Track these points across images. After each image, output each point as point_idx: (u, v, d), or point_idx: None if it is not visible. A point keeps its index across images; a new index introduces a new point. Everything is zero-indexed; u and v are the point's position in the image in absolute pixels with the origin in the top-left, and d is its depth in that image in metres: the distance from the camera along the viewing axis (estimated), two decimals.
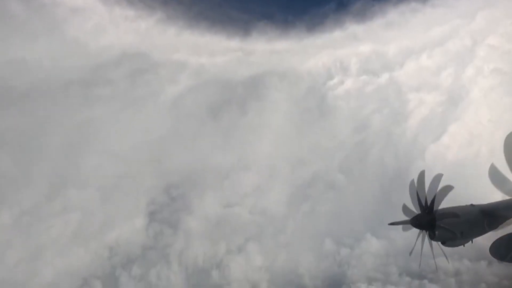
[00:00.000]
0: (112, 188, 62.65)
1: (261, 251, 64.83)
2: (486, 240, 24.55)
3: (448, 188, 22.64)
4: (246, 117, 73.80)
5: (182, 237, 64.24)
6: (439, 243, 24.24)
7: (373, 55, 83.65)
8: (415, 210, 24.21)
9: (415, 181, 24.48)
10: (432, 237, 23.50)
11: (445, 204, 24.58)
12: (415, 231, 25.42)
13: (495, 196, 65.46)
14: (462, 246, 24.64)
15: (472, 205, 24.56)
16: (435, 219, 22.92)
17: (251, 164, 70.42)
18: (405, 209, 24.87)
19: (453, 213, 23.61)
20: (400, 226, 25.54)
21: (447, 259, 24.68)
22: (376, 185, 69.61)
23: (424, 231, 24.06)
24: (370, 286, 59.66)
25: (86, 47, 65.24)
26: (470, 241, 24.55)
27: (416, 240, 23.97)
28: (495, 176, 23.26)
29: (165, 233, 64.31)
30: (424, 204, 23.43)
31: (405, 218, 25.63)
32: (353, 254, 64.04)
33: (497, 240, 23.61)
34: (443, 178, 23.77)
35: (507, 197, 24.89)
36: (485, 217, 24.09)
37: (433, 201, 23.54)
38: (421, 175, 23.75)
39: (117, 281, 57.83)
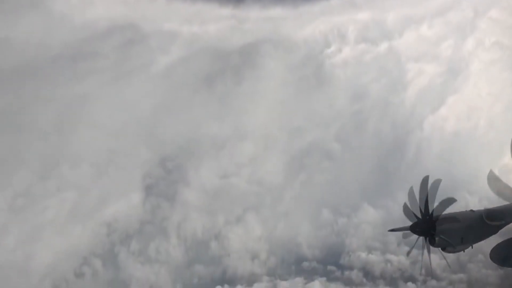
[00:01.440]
0: (106, 163, 62.51)
1: (259, 221, 65.43)
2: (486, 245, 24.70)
3: (451, 201, 22.31)
4: (241, 86, 72.09)
5: (180, 210, 64.72)
6: (439, 249, 24.19)
7: (371, 23, 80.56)
8: (415, 213, 23.91)
9: (414, 189, 24.10)
10: (432, 243, 23.33)
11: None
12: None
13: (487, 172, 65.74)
14: (462, 251, 24.58)
15: (472, 210, 24.30)
16: (434, 226, 22.68)
17: (247, 133, 69.68)
18: (406, 209, 24.59)
19: (453, 219, 23.39)
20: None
21: (448, 265, 24.79)
22: (373, 155, 69.73)
23: (423, 237, 23.85)
24: (370, 254, 61.26)
25: (72, 22, 62.95)
26: (471, 247, 24.44)
27: (415, 243, 23.90)
28: (494, 183, 22.86)
29: (162, 207, 64.66)
30: (424, 211, 23.17)
31: (405, 217, 25.49)
32: (350, 223, 65.11)
33: (497, 245, 23.53)
34: (443, 183, 23.37)
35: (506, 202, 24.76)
36: (485, 222, 23.88)
37: (427, 207, 23.18)
38: (425, 180, 23.27)
39: (116, 257, 58.58)
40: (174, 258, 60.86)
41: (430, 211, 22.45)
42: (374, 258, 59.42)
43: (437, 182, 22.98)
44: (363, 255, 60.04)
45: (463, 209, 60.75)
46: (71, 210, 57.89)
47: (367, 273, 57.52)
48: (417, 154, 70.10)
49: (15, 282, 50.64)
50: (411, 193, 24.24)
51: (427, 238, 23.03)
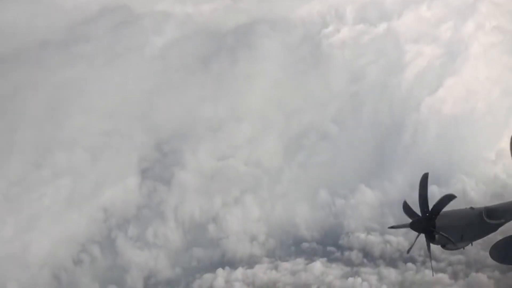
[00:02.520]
0: (101, 148, 61.68)
1: (257, 203, 64.71)
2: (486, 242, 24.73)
3: (450, 197, 22.14)
4: (237, 67, 71.02)
5: (177, 193, 63.90)
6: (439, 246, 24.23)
7: (370, 3, 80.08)
8: (415, 211, 23.82)
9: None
10: (431, 241, 23.33)
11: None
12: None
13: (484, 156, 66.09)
14: (462, 249, 24.58)
15: (471, 208, 24.20)
16: (434, 223, 22.61)
17: (243, 115, 68.71)
18: (405, 207, 24.44)
19: (452, 217, 23.35)
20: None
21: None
22: (370, 136, 68.77)
23: (423, 234, 23.85)
24: (369, 235, 61.10)
25: (63, 5, 61.80)
26: (470, 244, 24.45)
27: (415, 240, 23.89)
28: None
29: (159, 190, 63.87)
30: (421, 208, 23.06)
31: (404, 215, 25.40)
32: (348, 204, 64.42)
33: (497, 242, 23.56)
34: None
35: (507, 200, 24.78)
36: (485, 220, 23.84)
37: (427, 204, 23.07)
38: (424, 177, 23.08)
39: (114, 243, 58.08)
40: (172, 242, 60.33)
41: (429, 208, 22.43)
42: (373, 238, 59.06)
43: (424, 177, 22.93)
44: (362, 236, 59.66)
45: (460, 193, 61.25)
46: (67, 197, 57.30)
47: (367, 253, 57.33)
48: (414, 136, 69.33)
49: (14, 273, 50.11)
50: (405, 203, 24.16)
51: (427, 236, 23.09)
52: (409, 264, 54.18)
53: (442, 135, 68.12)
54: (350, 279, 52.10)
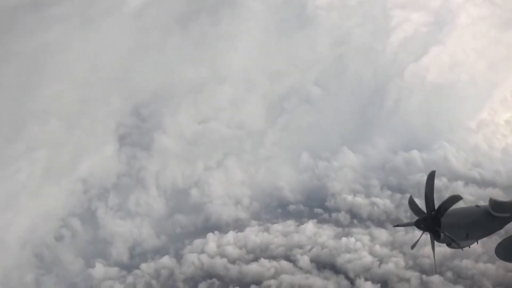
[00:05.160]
0: (76, 116, 57.31)
1: (240, 166, 63.10)
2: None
3: (456, 198, 21.47)
4: (219, 27, 66.95)
5: (157, 159, 61.52)
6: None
7: None
8: (420, 207, 23.16)
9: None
10: (436, 239, 22.84)
11: None
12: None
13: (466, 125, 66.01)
14: (468, 247, 24.20)
15: (477, 206, 23.54)
16: (439, 222, 22.03)
17: (225, 77, 65.49)
18: (411, 202, 23.60)
19: (458, 215, 22.76)
20: None
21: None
22: (353, 100, 67.42)
23: (428, 233, 23.30)
24: (355, 197, 60.35)
25: None
26: (476, 242, 24.05)
27: (420, 237, 23.35)
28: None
29: (139, 157, 61.25)
30: (426, 205, 22.38)
31: (410, 211, 24.75)
32: (331, 167, 63.68)
33: (502, 241, 23.08)
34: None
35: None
36: (491, 218, 23.32)
37: (433, 201, 22.48)
38: (431, 175, 22.19)
39: (95, 215, 55.37)
40: (155, 209, 58.09)
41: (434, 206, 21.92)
42: (360, 200, 58.40)
43: (431, 175, 22.30)
44: (349, 197, 58.91)
45: (441, 159, 61.66)
46: (43, 170, 53.40)
47: (355, 215, 57.07)
48: (397, 102, 68.56)
49: None
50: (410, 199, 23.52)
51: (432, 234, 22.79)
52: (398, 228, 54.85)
53: (425, 102, 67.74)
54: (344, 239, 52.01)
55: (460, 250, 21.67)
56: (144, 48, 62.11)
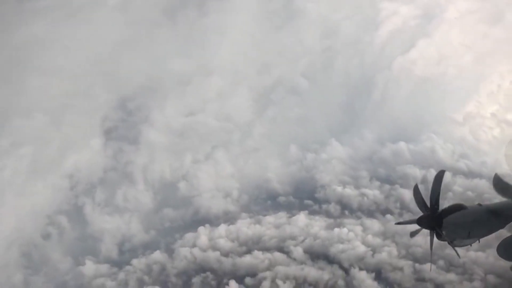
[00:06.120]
0: (61, 110, 55.01)
1: (229, 159, 62.53)
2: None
3: (461, 206, 21.50)
4: (206, 19, 65.74)
5: (145, 153, 60.29)
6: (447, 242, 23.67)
7: None
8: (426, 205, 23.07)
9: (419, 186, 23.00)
10: (439, 237, 22.73)
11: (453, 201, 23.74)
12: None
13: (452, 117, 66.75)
14: (470, 245, 24.15)
15: (479, 204, 23.44)
16: (441, 220, 21.94)
17: (213, 69, 64.50)
18: (416, 191, 23.44)
19: (460, 213, 22.67)
20: None
21: (458, 255, 24.18)
22: (341, 92, 67.57)
23: (430, 231, 23.20)
24: (345, 188, 60.16)
25: None
26: (478, 241, 23.98)
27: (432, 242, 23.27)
28: (499, 185, 22.30)
29: (126, 151, 59.86)
30: (429, 204, 22.25)
31: (414, 199, 24.77)
32: (319, 159, 63.85)
33: (504, 239, 23.03)
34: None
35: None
36: (493, 216, 23.23)
37: (438, 201, 22.41)
38: (440, 174, 22.00)
39: (82, 211, 53.86)
40: (143, 204, 56.86)
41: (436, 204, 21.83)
42: (350, 191, 58.47)
43: (441, 174, 22.13)
44: (339, 189, 58.94)
45: (429, 151, 62.24)
46: (29, 166, 51.40)
47: (345, 206, 56.98)
48: (384, 94, 68.92)
49: None
50: (416, 188, 23.33)
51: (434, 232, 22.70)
52: (388, 216, 54.08)
53: (412, 95, 68.18)
54: (336, 230, 51.85)
55: None
56: (131, 41, 60.26)
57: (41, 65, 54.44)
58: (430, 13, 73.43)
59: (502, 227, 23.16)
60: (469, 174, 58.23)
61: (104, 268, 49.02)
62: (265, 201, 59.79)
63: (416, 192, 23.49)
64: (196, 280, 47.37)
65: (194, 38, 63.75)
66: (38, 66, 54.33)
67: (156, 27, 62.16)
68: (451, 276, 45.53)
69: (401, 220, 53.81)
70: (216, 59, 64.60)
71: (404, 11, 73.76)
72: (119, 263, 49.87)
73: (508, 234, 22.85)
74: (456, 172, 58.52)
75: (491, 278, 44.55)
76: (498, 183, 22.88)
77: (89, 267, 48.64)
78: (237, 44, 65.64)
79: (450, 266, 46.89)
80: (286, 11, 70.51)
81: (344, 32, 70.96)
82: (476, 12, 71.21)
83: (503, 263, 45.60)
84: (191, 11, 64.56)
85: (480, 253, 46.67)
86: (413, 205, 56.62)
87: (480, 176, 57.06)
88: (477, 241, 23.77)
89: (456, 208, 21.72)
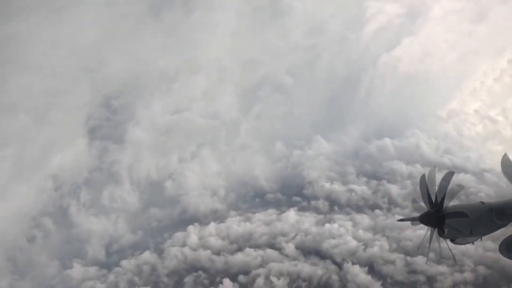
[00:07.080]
0: (45, 109, 52.50)
1: (215, 157, 61.67)
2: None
3: (459, 188, 21.05)
4: (192, 16, 64.52)
5: (130, 152, 58.65)
6: (448, 240, 23.32)
7: None
8: (424, 205, 22.67)
9: (426, 177, 22.58)
10: (441, 234, 22.38)
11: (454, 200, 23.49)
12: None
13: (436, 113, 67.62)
14: (472, 243, 23.87)
15: (481, 202, 23.14)
16: (444, 217, 21.59)
17: (198, 66, 63.55)
18: (414, 203, 23.14)
19: (463, 211, 22.38)
20: None
21: (454, 259, 23.94)
22: (326, 89, 67.51)
23: (433, 228, 22.86)
24: (332, 185, 59.93)
25: None
26: (480, 239, 23.75)
27: (425, 235, 22.91)
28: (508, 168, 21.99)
29: (111, 150, 57.99)
30: (434, 201, 21.85)
31: (414, 212, 24.43)
32: (305, 155, 63.96)
33: (507, 238, 22.83)
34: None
35: None
36: (495, 214, 23.01)
37: (443, 199, 22.00)
38: (432, 171, 21.69)
39: (67, 213, 51.89)
40: (129, 204, 55.13)
41: (439, 201, 21.46)
42: (337, 187, 58.14)
43: (450, 175, 21.84)
44: (327, 185, 58.59)
45: (414, 146, 62.77)
46: (12, 167, 49.15)
47: (333, 202, 56.68)
48: (369, 91, 69.34)
49: None
50: (422, 182, 22.95)
51: (436, 229, 22.38)
52: (377, 211, 54.16)
53: (397, 92, 68.98)
54: (327, 225, 51.46)
55: None
56: (115, 38, 58.38)
57: (23, 63, 52.35)
58: (415, 12, 74.33)
59: (504, 226, 23.00)
60: (453, 169, 58.24)
61: (93, 270, 47.01)
62: (253, 198, 59.00)
63: (423, 184, 23.01)
64: (188, 279, 45.92)
65: (179, 35, 62.56)
66: (21, 64, 52.20)
67: (141, 24, 60.55)
68: (442, 268, 45.69)
69: (390, 215, 54.61)
70: (202, 57, 63.61)
71: (389, 10, 74.34)
72: (108, 265, 47.99)
73: (510, 233, 22.80)
74: (441, 167, 58.45)
75: (481, 269, 44.61)
76: (507, 164, 22.59)
77: (77, 270, 46.66)
78: (222, 42, 64.67)
79: (440, 258, 47.20)
80: (272, 9, 70.31)
81: (330, 29, 71.22)
82: (460, 11, 72.43)
83: (492, 254, 46.35)
84: (177, 8, 63.16)
85: (469, 245, 47.05)
86: (400, 200, 56.91)
87: (464, 170, 57.70)
88: (480, 238, 23.61)
89: (459, 215, 21.35)
